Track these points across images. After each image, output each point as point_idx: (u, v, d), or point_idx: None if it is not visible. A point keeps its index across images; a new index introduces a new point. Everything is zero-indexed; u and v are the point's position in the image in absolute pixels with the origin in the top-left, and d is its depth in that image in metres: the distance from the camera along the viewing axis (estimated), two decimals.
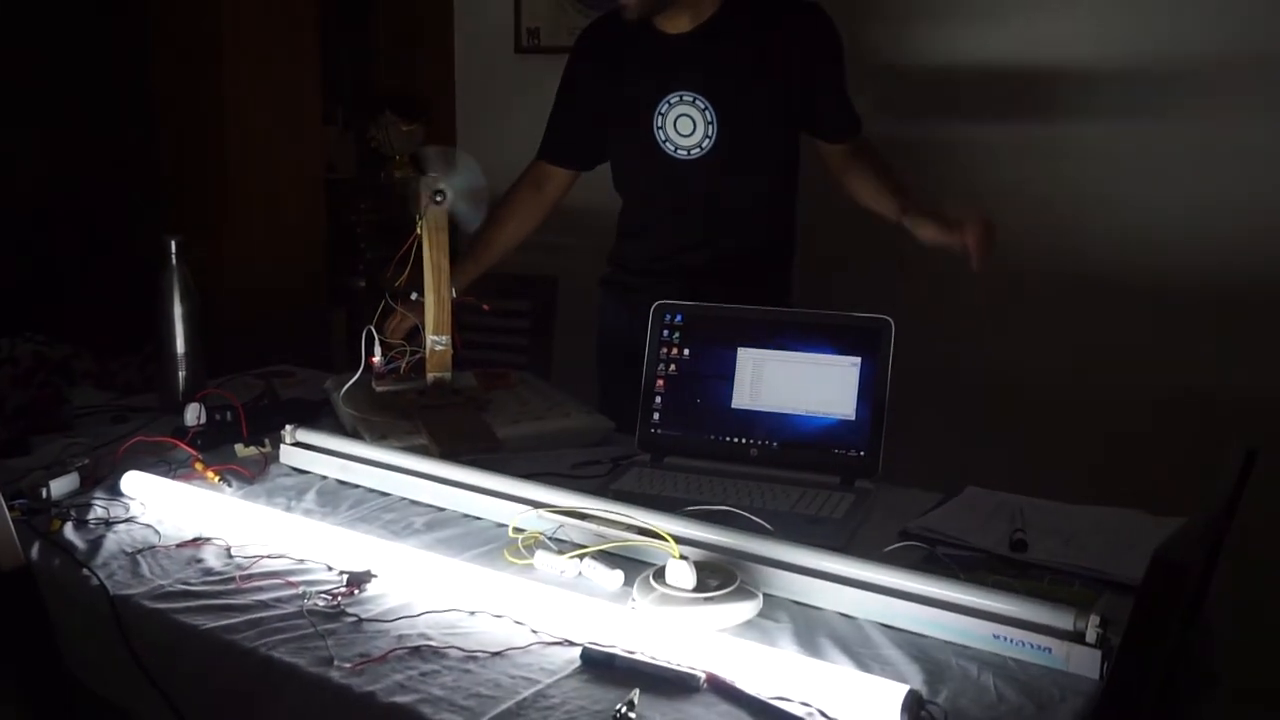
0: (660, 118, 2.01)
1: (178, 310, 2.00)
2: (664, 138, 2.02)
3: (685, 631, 1.18)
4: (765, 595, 1.29)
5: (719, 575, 1.28)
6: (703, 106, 1.99)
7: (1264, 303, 2.27)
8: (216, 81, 2.84)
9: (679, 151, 2.02)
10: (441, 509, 1.58)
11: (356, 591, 1.32)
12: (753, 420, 1.72)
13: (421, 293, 1.93)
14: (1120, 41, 2.37)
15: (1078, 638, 1.17)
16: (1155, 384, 2.38)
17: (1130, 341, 2.42)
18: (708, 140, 2.00)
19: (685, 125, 2.00)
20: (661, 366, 1.77)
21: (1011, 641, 1.19)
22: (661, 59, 2.00)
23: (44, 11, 4.17)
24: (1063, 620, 1.18)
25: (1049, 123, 2.47)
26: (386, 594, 1.32)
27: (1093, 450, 2.43)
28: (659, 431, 1.77)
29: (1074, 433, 2.46)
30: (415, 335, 2.01)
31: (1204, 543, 1.18)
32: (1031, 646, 1.18)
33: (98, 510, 1.56)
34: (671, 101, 2.00)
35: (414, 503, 1.61)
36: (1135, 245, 2.40)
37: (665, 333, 1.78)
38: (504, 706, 1.09)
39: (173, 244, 2.00)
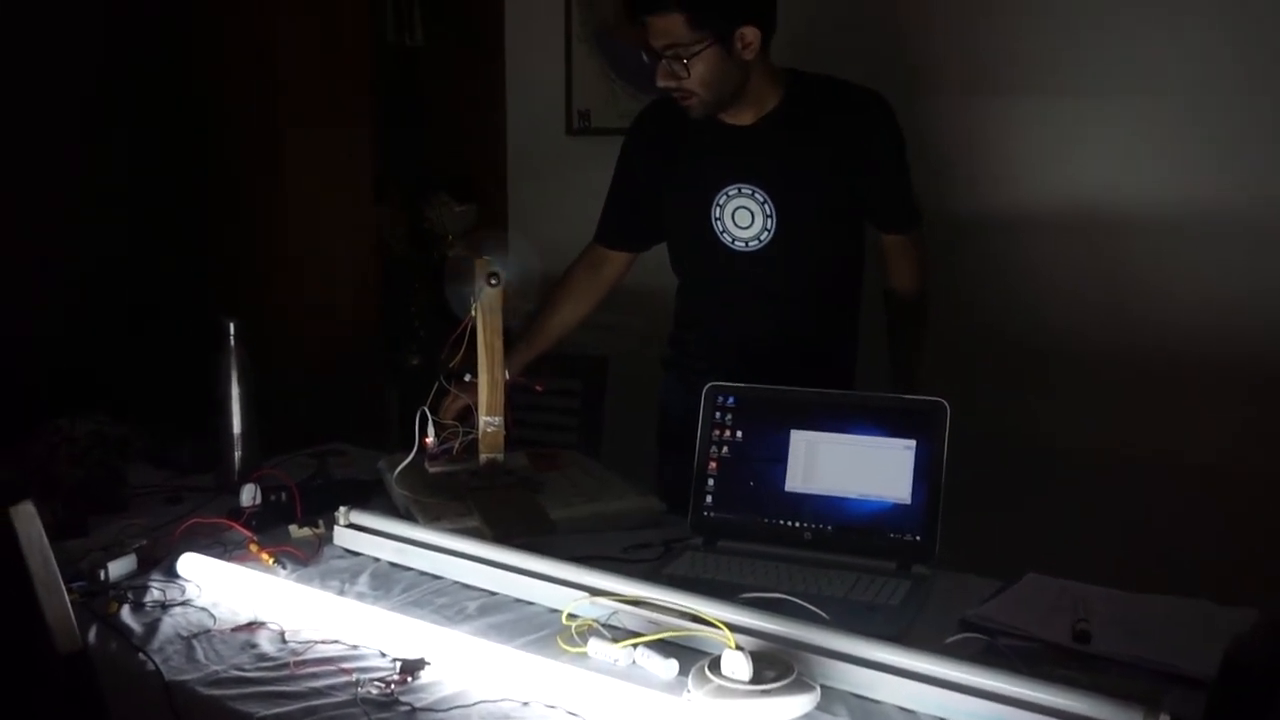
0: (718, 209, 2.01)
1: (235, 391, 2.03)
2: (721, 229, 2.02)
3: None
4: (823, 687, 1.26)
5: (776, 666, 1.26)
6: (761, 200, 1.98)
7: None
8: (274, 164, 2.91)
9: (736, 243, 2.02)
10: (494, 593, 1.57)
11: (410, 679, 1.31)
12: (806, 503, 1.70)
13: (475, 374, 1.94)
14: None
15: None
16: (1218, 465, 2.33)
17: (1189, 421, 2.38)
18: (766, 233, 1.99)
19: (744, 218, 2.00)
20: (714, 448, 1.76)
21: None
22: (721, 150, 2.00)
23: (104, 98, 4.30)
24: (1131, 718, 1.15)
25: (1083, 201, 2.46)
26: (440, 682, 1.31)
27: (1154, 534, 2.38)
28: (712, 514, 1.75)
29: (1134, 515, 2.41)
30: (468, 415, 2.02)
31: (1276, 638, 1.15)
32: None
33: (154, 593, 1.56)
34: (730, 194, 2.00)
35: (467, 586, 1.60)
36: (1186, 323, 2.37)
37: (718, 414, 1.77)
38: None
39: (230, 326, 2.03)
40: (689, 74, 1.87)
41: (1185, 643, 1.36)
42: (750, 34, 1.87)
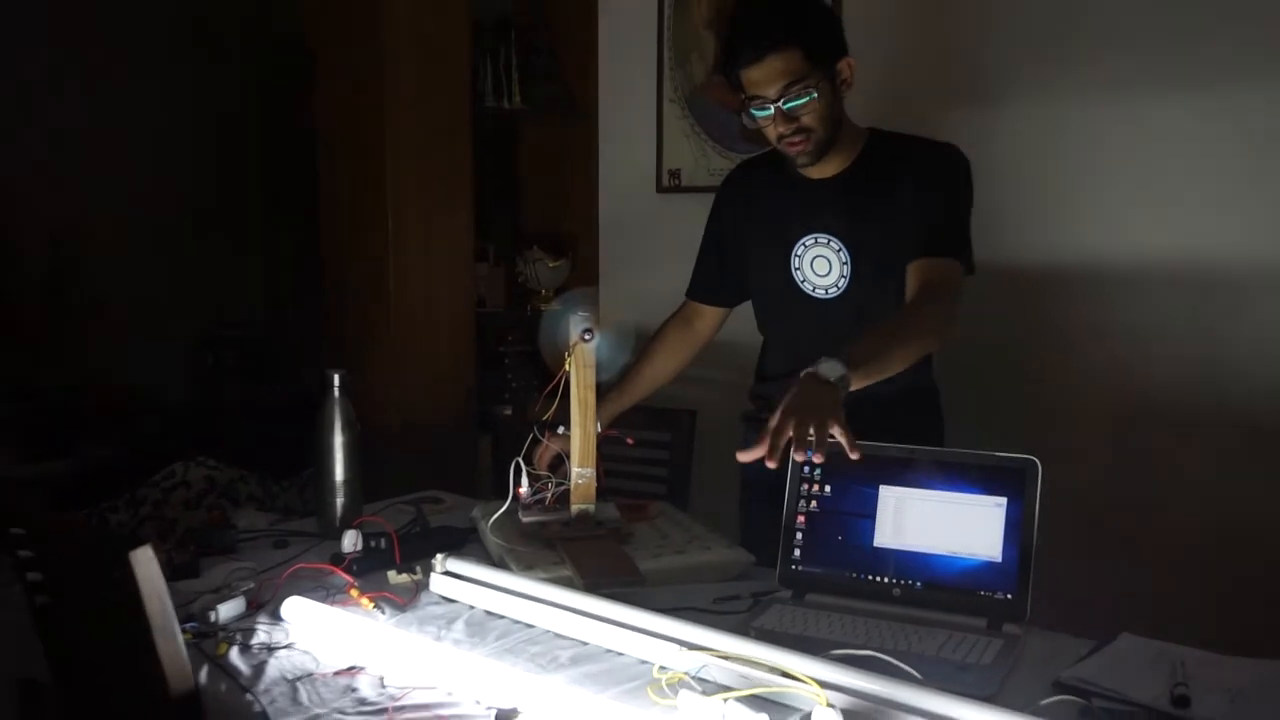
0: (797, 259, 2.02)
1: (338, 440, 2.06)
2: (801, 277, 2.03)
3: None
4: None
5: None
6: (837, 248, 1.99)
7: None
8: (381, 223, 2.97)
9: (816, 291, 2.02)
10: (585, 643, 1.56)
11: None
12: (895, 559, 1.67)
13: (568, 425, 1.95)
14: None
15: None
16: None
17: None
18: (844, 280, 1.99)
19: (821, 266, 2.01)
20: (802, 503, 1.74)
21: None
22: (800, 202, 2.02)
23: (234, 177, 4.44)
24: None
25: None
26: None
27: (1248, 597, 2.29)
28: (800, 568, 1.73)
29: (1227, 577, 2.32)
30: (560, 465, 2.03)
31: None
32: None
33: (260, 635, 1.58)
34: (807, 244, 2.01)
35: (559, 635, 1.59)
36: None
37: (806, 469, 1.75)
38: None
39: (335, 377, 2.06)
40: (811, 113, 1.88)
41: None
42: (848, 67, 1.90)
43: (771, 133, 1.92)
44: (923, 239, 1.90)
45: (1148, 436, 2.44)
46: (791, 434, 1.50)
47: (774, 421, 1.54)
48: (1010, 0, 2.57)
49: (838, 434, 1.53)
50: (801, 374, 1.62)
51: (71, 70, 4.87)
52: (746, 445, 2.14)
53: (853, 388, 1.62)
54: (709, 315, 2.21)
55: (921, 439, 1.96)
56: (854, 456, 1.53)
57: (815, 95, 1.87)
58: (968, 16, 2.64)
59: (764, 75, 1.87)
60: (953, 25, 2.66)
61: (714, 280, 2.19)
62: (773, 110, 1.88)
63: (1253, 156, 2.31)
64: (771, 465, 1.51)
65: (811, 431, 1.51)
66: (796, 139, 1.91)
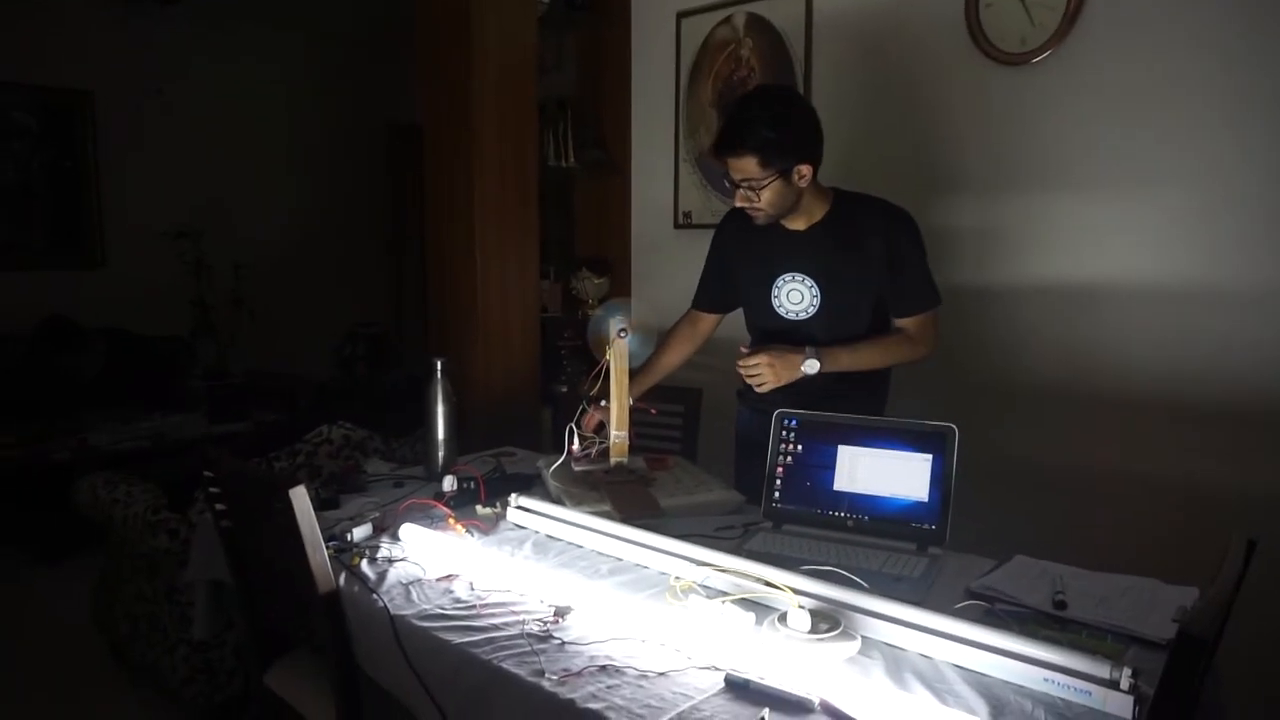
0: (777, 289, 1.99)
1: (440, 410, 2.05)
2: (779, 304, 1.99)
3: (803, 665, 1.13)
4: (863, 637, 1.23)
5: (827, 621, 1.22)
6: (810, 284, 1.95)
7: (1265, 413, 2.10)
8: (471, 250, 2.97)
9: (789, 314, 1.99)
10: (620, 559, 1.56)
11: (561, 620, 1.31)
12: (849, 499, 1.66)
13: (608, 399, 1.95)
14: None
15: (1113, 685, 1.07)
16: (1161, 474, 2.21)
17: (1139, 441, 2.26)
18: (813, 307, 1.96)
19: (795, 296, 1.97)
20: (781, 457, 1.73)
21: (1059, 684, 1.10)
22: (780, 248, 1.97)
23: (351, 216, 4.42)
24: (1100, 669, 1.09)
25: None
26: (582, 622, 1.31)
27: (1110, 528, 2.26)
28: (779, 505, 1.72)
29: (1094, 513, 2.29)
30: (602, 429, 2.02)
31: (1218, 615, 1.07)
32: (1075, 690, 1.09)
33: (383, 551, 1.59)
34: (785, 279, 1.97)
35: (601, 554, 1.59)
36: (1137, 366, 2.26)
37: (784, 433, 1.74)
38: (668, 716, 1.06)
39: (438, 362, 2.06)
40: (759, 199, 1.85)
41: (1142, 612, 1.28)
42: (805, 169, 1.84)
43: (736, 200, 1.90)
44: (906, 304, 1.93)
45: (1040, 409, 2.41)
46: (754, 370, 1.85)
47: (751, 357, 1.85)
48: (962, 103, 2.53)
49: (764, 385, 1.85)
50: (790, 347, 1.85)
51: (247, 135, 4.91)
52: (741, 415, 2.16)
53: (820, 370, 1.84)
54: (709, 319, 2.19)
55: (872, 411, 1.97)
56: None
57: (767, 188, 1.83)
58: (923, 112, 2.60)
59: (730, 167, 1.85)
60: (909, 118, 2.63)
61: (714, 295, 2.17)
62: (738, 190, 1.86)
63: (1133, 198, 2.27)
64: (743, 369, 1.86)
65: (760, 375, 1.85)
66: (750, 211, 1.89)
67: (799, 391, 1.91)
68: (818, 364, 1.86)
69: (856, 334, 1.95)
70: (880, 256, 1.89)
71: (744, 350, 1.89)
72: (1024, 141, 2.39)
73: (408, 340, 5.04)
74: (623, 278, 3.47)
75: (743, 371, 1.89)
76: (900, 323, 1.95)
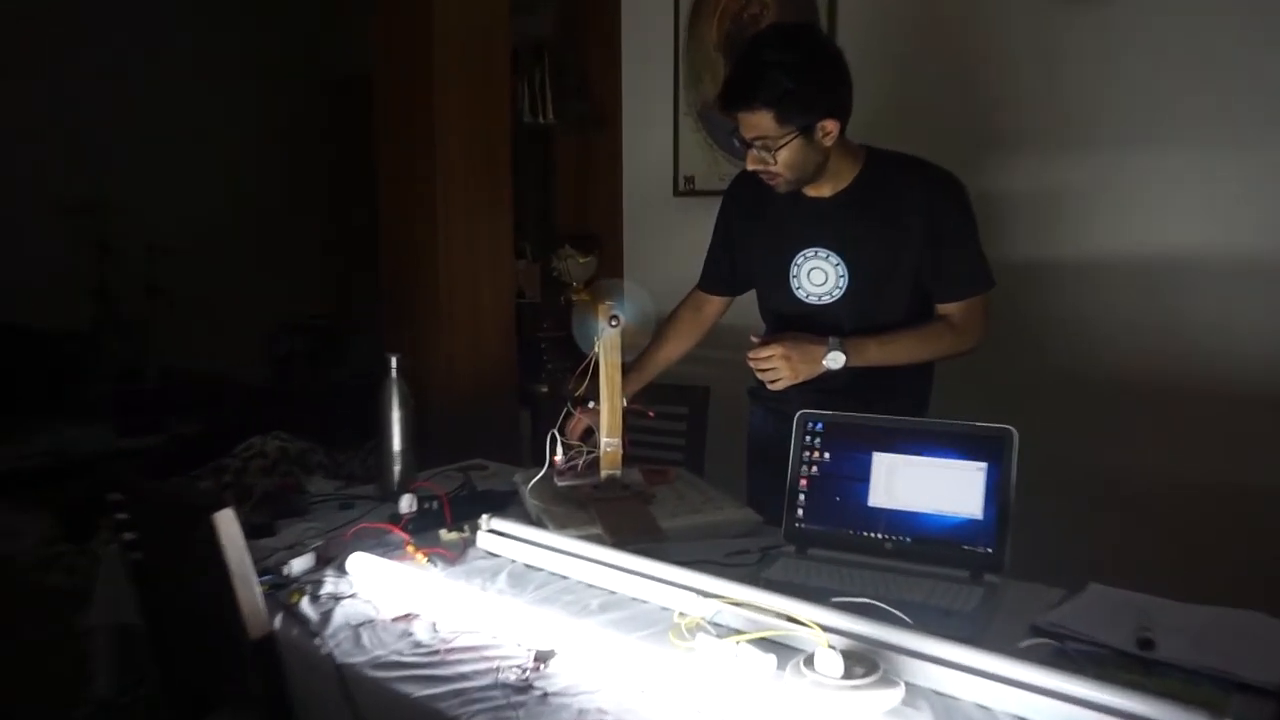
0: (796, 268, 1.97)
1: (395, 415, 2.04)
2: (798, 285, 1.98)
3: (835, 717, 1.11)
4: (906, 684, 1.21)
5: (864, 664, 1.21)
6: (835, 262, 1.93)
7: None
8: (432, 224, 2.96)
9: (810, 298, 1.97)
10: (613, 592, 1.55)
11: (542, 667, 1.29)
12: (887, 517, 1.64)
13: (597, 401, 1.93)
14: None
15: None
16: (1265, 488, 2.20)
17: (1239, 448, 2.25)
18: (838, 289, 1.94)
19: (818, 276, 1.95)
20: (805, 468, 1.72)
21: None
22: (801, 218, 1.96)
23: (287, 177, 4.42)
24: None
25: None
26: (568, 670, 1.29)
27: (1200, 551, 2.26)
28: (803, 525, 1.70)
29: (1183, 533, 2.29)
30: (590, 436, 2.01)
31: None
32: None
33: (328, 586, 1.57)
34: (806, 255, 1.95)
35: (590, 586, 1.58)
36: (1235, 360, 2.25)
37: (808, 438, 1.72)
38: None
39: (393, 360, 2.04)
40: (776, 161, 1.83)
41: (1244, 651, 1.27)
42: (830, 125, 1.82)
43: (748, 162, 1.88)
44: (949, 287, 1.90)
45: (1113, 407, 2.40)
46: (767, 364, 1.84)
47: (764, 349, 1.84)
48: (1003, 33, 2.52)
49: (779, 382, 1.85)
50: (810, 337, 1.85)
51: (159, 97, 4.89)
52: (755, 418, 2.15)
53: (845, 365, 1.84)
54: (716, 302, 2.18)
55: (913, 411, 1.95)
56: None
57: (784, 148, 1.80)
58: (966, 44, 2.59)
59: (741, 124, 1.82)
60: (953, 51, 2.62)
61: (722, 273, 2.15)
62: (750, 151, 1.84)
63: (1203, 150, 2.26)
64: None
65: (775, 370, 1.83)
66: (766, 176, 1.87)
67: (824, 389, 1.90)
68: (843, 357, 1.84)
69: (890, 322, 1.93)
70: (920, 229, 1.87)
71: (755, 340, 1.87)
72: (1094, 90, 2.38)
73: (357, 333, 5.03)
74: (613, 256, 3.46)
75: (754, 366, 1.87)
76: (943, 309, 1.93)
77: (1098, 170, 2.40)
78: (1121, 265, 2.39)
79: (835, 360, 1.84)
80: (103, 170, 4.68)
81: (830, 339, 1.85)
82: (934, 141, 2.23)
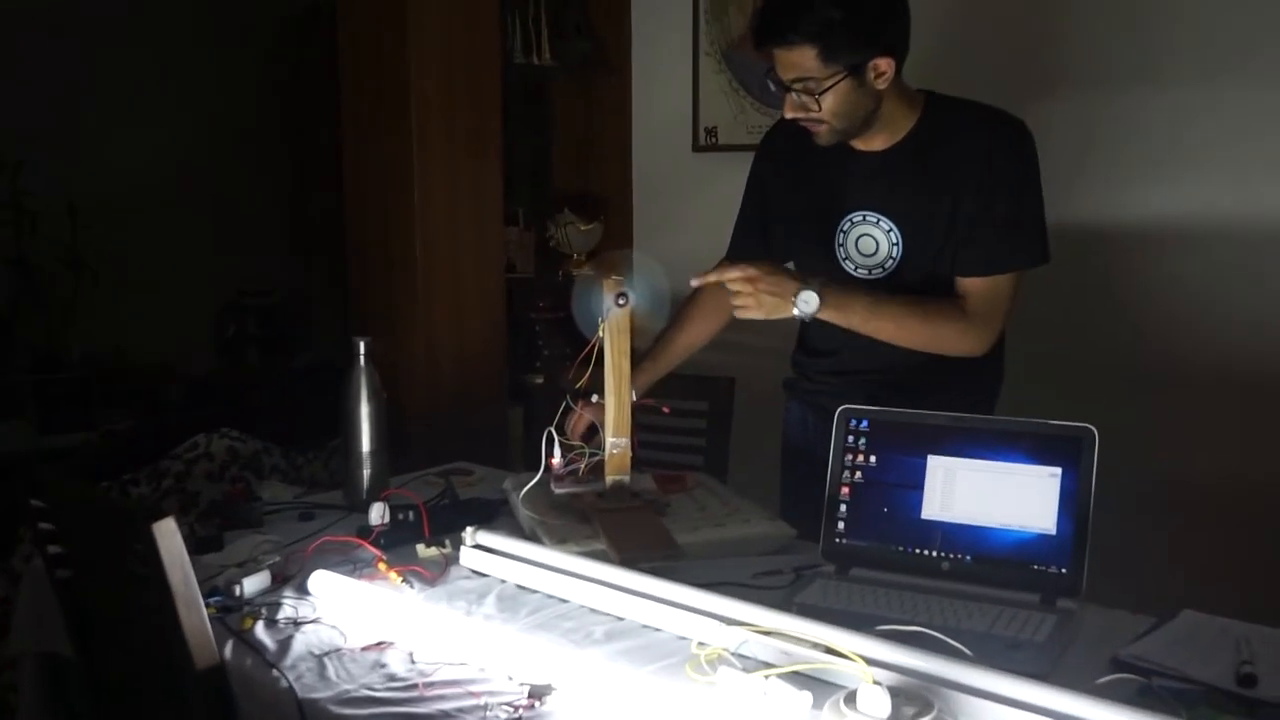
0: (842, 235, 1.97)
1: (364, 410, 2.05)
2: (844, 255, 1.98)
3: None
4: None
5: (915, 703, 1.21)
6: (887, 228, 1.93)
7: None
8: (407, 185, 2.96)
9: (859, 270, 1.97)
10: (621, 619, 1.56)
11: (538, 704, 1.31)
12: (944, 532, 1.65)
13: (602, 394, 1.94)
14: None
15: None
16: None
17: None
18: (891, 261, 1.94)
19: (868, 245, 1.96)
20: (846, 474, 1.73)
21: None
22: (846, 176, 1.96)
23: (238, 127, 4.42)
24: None
25: None
26: (567, 708, 1.30)
27: None
28: (844, 541, 1.72)
29: None
30: (593, 435, 2.02)
31: None
32: None
33: (287, 609, 1.58)
34: (854, 220, 1.96)
35: (594, 611, 1.58)
36: None
37: (850, 438, 1.73)
38: None
39: (361, 344, 2.05)
40: (819, 107, 1.83)
41: None
42: (884, 64, 1.81)
43: (785, 109, 1.88)
44: (980, 256, 1.88)
45: (1212, 401, 2.40)
46: (734, 287, 1.81)
47: (734, 269, 1.82)
48: None
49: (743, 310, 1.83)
50: (788, 273, 1.85)
51: (73, 28, 4.89)
52: (791, 415, 2.15)
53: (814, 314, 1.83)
54: None
55: (977, 405, 1.94)
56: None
57: (830, 91, 1.80)
58: None
59: (779, 63, 1.83)
60: None
61: (754, 243, 2.15)
62: (788, 95, 1.84)
63: None
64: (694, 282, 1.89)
65: (742, 299, 1.81)
66: (809, 125, 1.87)
67: (874, 380, 1.91)
68: (816, 302, 1.80)
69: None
70: (973, 181, 1.87)
71: (729, 266, 1.84)
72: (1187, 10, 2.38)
73: (319, 313, 5.04)
74: (621, 223, 3.47)
75: (727, 287, 1.84)
76: (963, 284, 1.91)
77: (1179, 113, 2.39)
78: (1225, 228, 2.38)
79: (807, 303, 1.80)
80: (16, 123, 4.69)
81: (811, 279, 1.82)
82: (998, 81, 2.23)
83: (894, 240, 1.94)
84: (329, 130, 3.30)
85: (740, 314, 1.84)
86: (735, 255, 2.18)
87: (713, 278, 1.84)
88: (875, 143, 1.93)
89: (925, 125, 1.91)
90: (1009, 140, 1.88)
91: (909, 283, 1.94)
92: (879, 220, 1.94)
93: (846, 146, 1.94)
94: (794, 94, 1.83)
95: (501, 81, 3.16)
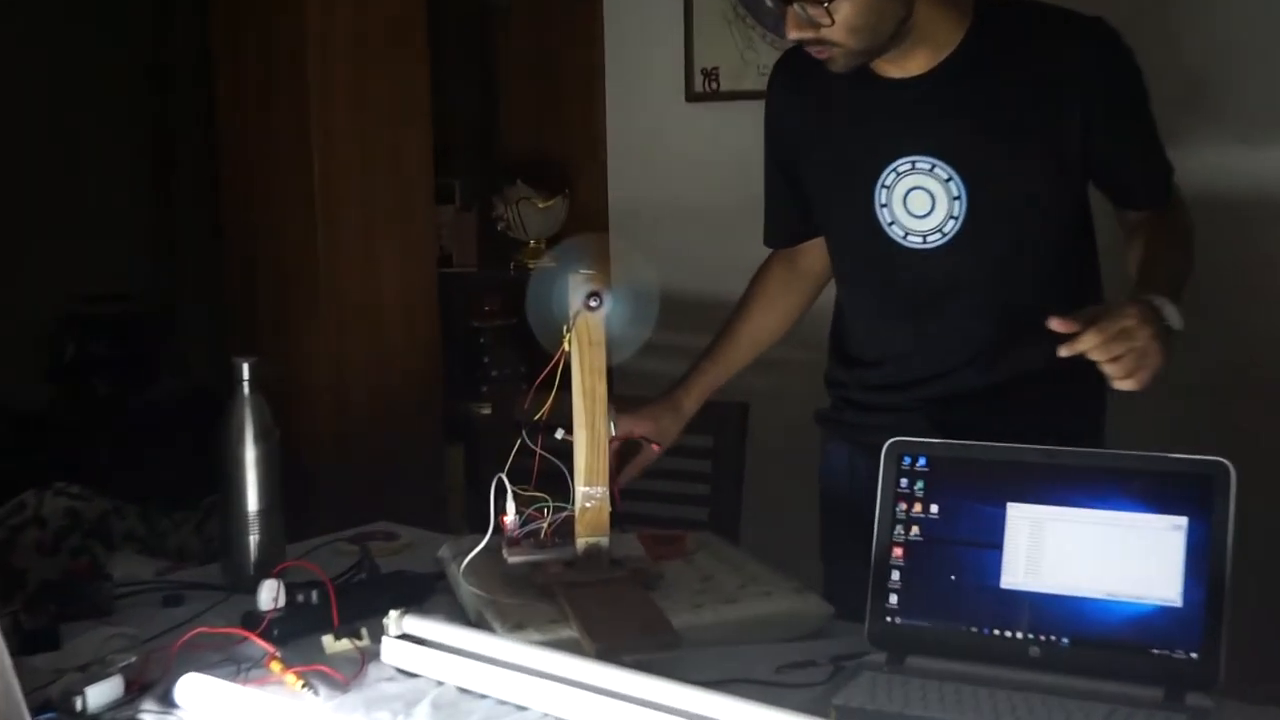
0: (884, 192, 1.98)
1: (250, 454, 2.05)
2: (889, 219, 1.99)
3: None
4: None
5: None
6: (945, 176, 1.94)
7: None
8: (300, 158, 2.97)
9: (910, 238, 1.98)
10: None
11: None
12: (1031, 606, 1.65)
13: (569, 429, 1.94)
14: None
15: None
16: None
17: None
18: (953, 221, 1.95)
19: (920, 202, 1.96)
20: (899, 530, 1.73)
21: None
22: (883, 111, 1.98)
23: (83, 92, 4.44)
24: None
25: None
26: None
27: None
28: (898, 621, 1.71)
29: None
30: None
31: None
32: None
33: None
34: (899, 170, 1.97)
35: None
36: None
37: (903, 482, 1.73)
38: None
39: (244, 367, 2.05)
40: (831, 20, 1.83)
41: None
42: None
43: (788, 30, 1.88)
44: (1135, 183, 1.98)
45: None
46: (1121, 343, 1.65)
47: (1117, 319, 1.66)
48: None
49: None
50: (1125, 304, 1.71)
51: None
52: (828, 457, 2.15)
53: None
54: (813, 247, 2.20)
55: (1082, 435, 1.94)
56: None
57: (843, 1, 1.81)
58: None
59: None
60: None
61: (792, 219, 2.18)
62: (791, 8, 1.84)
63: None
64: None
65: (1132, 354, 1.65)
66: (815, 48, 1.88)
67: (951, 409, 1.93)
68: (1175, 309, 1.75)
69: (1042, 273, 1.97)
70: (1078, 108, 1.89)
71: (1081, 336, 1.68)
72: None
73: (188, 326, 5.04)
74: (593, 198, 3.48)
75: (1094, 357, 1.69)
76: (1136, 217, 1.98)
77: None
78: None
79: (1174, 318, 1.74)
80: None
81: (1149, 295, 1.75)
82: None
83: (955, 193, 1.94)
84: (201, 78, 3.30)
85: (1129, 385, 1.71)
86: (772, 235, 2.20)
87: (1074, 350, 1.68)
88: (913, 65, 1.95)
89: (979, 36, 1.93)
90: (1119, 50, 1.92)
91: (981, 250, 1.95)
92: (933, 166, 1.95)
93: (873, 73, 1.95)
94: (796, 7, 1.84)
95: (430, 13, 3.17)
